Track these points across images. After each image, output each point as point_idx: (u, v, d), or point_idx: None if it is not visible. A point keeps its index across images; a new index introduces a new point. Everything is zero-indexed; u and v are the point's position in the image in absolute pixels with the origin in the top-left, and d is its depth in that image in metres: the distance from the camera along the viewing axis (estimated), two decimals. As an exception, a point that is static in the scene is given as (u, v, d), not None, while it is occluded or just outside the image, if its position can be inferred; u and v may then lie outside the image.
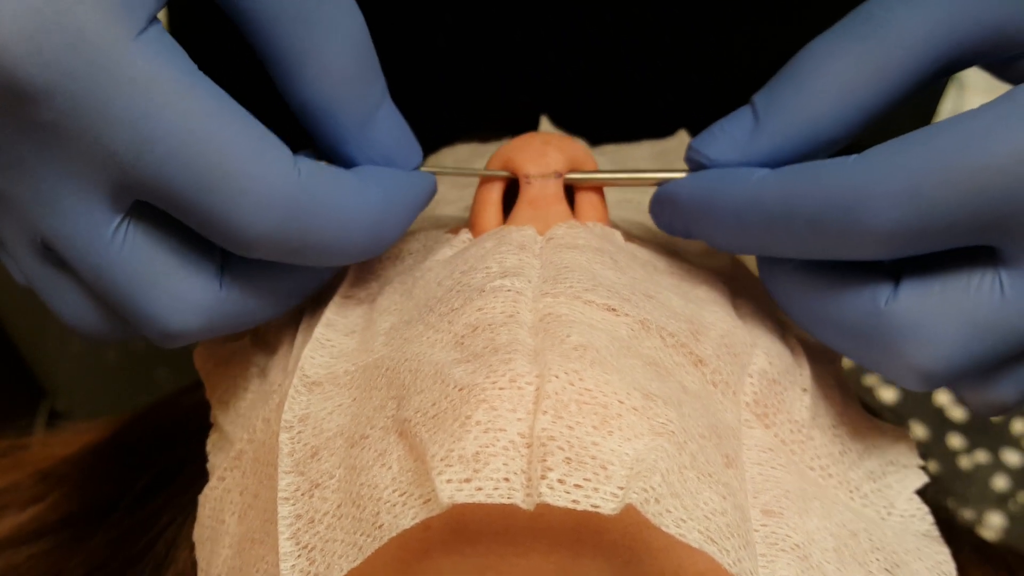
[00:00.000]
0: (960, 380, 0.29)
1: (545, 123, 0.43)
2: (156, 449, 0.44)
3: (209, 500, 0.32)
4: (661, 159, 0.42)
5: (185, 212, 0.26)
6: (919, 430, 0.84)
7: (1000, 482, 0.98)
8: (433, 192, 0.32)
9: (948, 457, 0.87)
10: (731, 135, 0.30)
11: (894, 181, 0.25)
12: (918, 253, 0.26)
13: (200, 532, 0.31)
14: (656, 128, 0.45)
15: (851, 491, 0.30)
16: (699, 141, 0.31)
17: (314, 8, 0.27)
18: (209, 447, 0.34)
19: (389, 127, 0.30)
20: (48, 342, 0.98)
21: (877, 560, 0.28)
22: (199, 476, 0.35)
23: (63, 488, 0.45)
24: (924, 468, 0.32)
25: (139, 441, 0.46)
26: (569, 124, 0.44)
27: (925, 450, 0.86)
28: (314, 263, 0.29)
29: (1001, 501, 0.96)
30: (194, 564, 0.32)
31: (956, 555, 0.42)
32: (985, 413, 0.30)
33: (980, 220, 0.25)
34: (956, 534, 0.43)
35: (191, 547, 0.33)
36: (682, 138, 0.43)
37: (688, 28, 0.52)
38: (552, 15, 0.52)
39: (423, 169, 0.32)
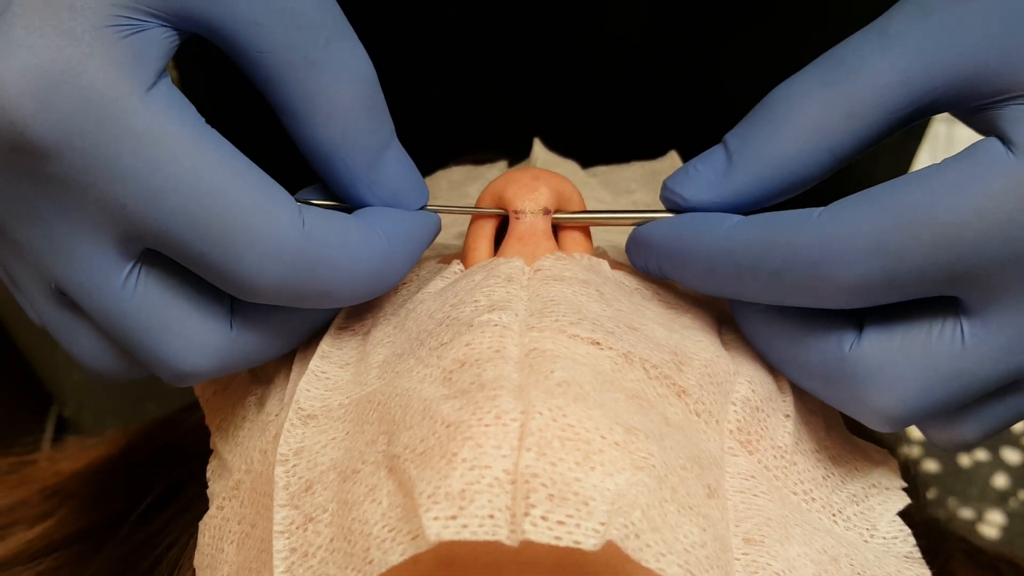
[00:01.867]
0: (923, 422, 0.30)
1: (538, 145, 0.43)
2: (160, 467, 0.44)
3: (209, 528, 0.32)
4: (651, 180, 0.43)
5: (193, 262, 0.27)
6: (918, 429, 0.84)
7: (1000, 480, 0.98)
8: (437, 231, 0.33)
9: (948, 455, 0.87)
10: (704, 175, 0.30)
11: (858, 237, 0.26)
12: (881, 303, 0.27)
13: (200, 559, 0.32)
14: (647, 149, 0.46)
15: (834, 514, 0.31)
16: (673, 180, 0.31)
17: (322, 51, 0.28)
18: (209, 473, 0.35)
19: (397, 168, 0.31)
20: (55, 349, 0.98)
21: None
22: (201, 496, 0.36)
23: (70, 505, 0.46)
24: (906, 490, 0.33)
25: (143, 459, 0.47)
26: (561, 146, 0.45)
27: (925, 448, 0.87)
28: (320, 307, 0.30)
29: (1001, 499, 0.96)
30: None
31: (948, 562, 0.43)
32: (949, 450, 0.31)
33: (942, 274, 0.26)
34: (948, 541, 0.44)
35: (193, 570, 0.34)
36: (672, 159, 0.44)
37: (678, 51, 0.53)
38: (544, 37, 0.52)
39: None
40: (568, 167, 0.44)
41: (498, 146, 0.48)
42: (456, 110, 0.55)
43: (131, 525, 0.42)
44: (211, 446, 0.36)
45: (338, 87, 0.28)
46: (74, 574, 0.42)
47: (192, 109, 0.27)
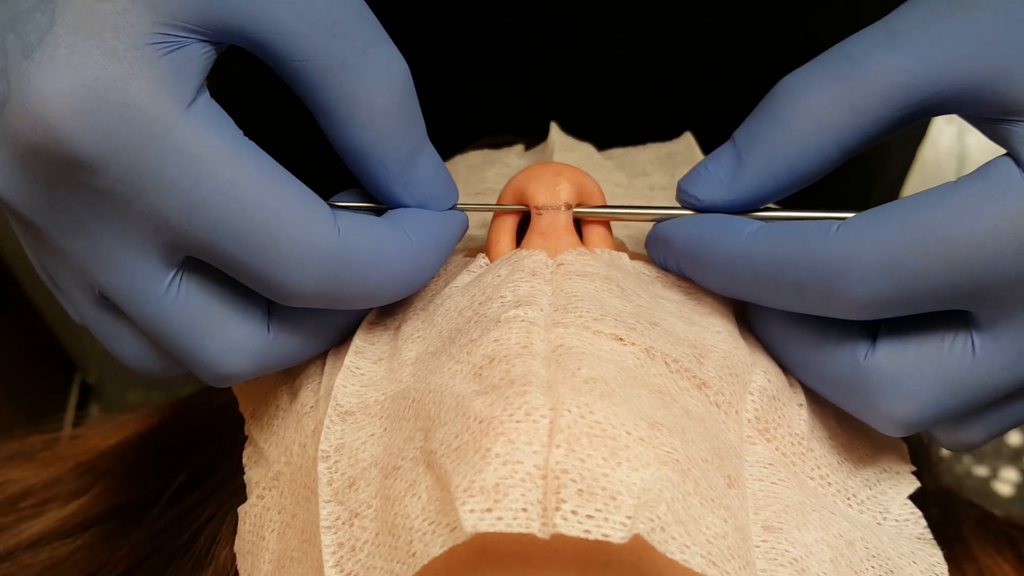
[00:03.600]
0: (933, 426, 0.31)
1: (554, 128, 0.44)
2: (193, 444, 0.45)
3: (249, 516, 0.33)
4: (667, 162, 0.43)
5: (233, 270, 0.28)
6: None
7: (1015, 438, 0.99)
8: (465, 230, 0.34)
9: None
10: (715, 175, 0.31)
11: (873, 255, 0.27)
12: (895, 316, 0.28)
13: (241, 545, 0.33)
14: (662, 131, 0.46)
15: (849, 498, 0.32)
16: (686, 181, 0.32)
17: (359, 56, 0.28)
18: (245, 459, 0.36)
19: (430, 168, 0.32)
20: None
21: (872, 568, 0.29)
22: (235, 472, 0.37)
23: (104, 482, 0.47)
24: (920, 457, 0.34)
25: (175, 436, 0.47)
26: (578, 128, 0.45)
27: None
28: (354, 308, 0.31)
29: (1016, 457, 0.97)
30: (233, 559, 0.34)
31: (960, 528, 0.44)
32: (955, 450, 0.32)
33: (955, 291, 0.27)
34: (960, 507, 0.45)
35: (230, 545, 0.35)
36: (687, 141, 0.44)
37: (693, 32, 0.53)
38: (560, 21, 0.52)
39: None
40: (584, 150, 0.44)
41: (515, 129, 0.48)
42: (473, 94, 0.55)
43: (165, 502, 0.43)
44: (246, 432, 0.37)
45: (376, 90, 0.29)
46: (110, 550, 0.43)
47: (231, 122, 0.28)
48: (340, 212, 0.29)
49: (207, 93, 0.28)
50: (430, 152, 0.32)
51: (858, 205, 0.66)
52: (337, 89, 0.28)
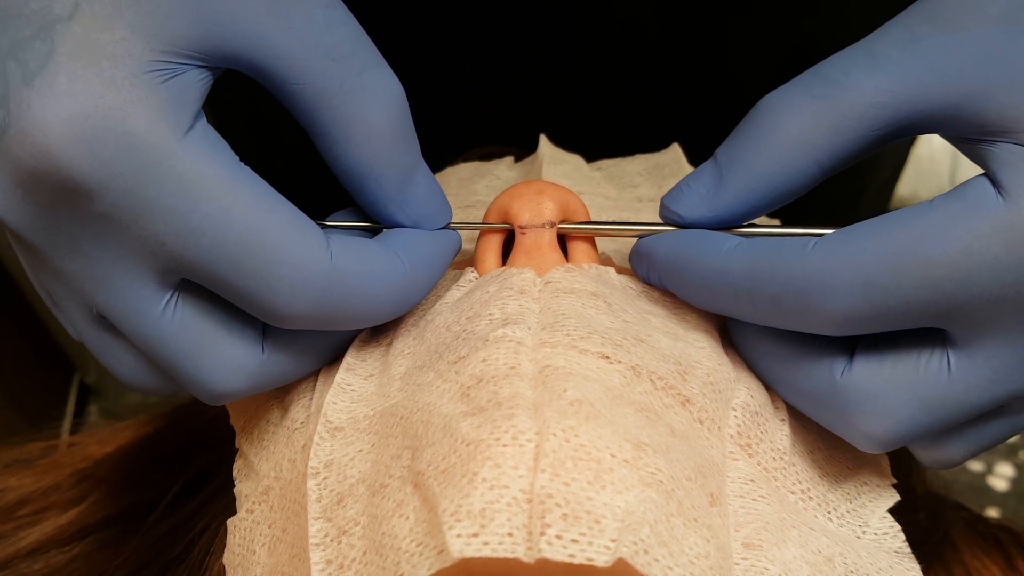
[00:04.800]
0: (911, 443, 0.31)
1: (543, 140, 0.44)
2: (189, 452, 0.45)
3: (239, 530, 0.34)
4: (655, 173, 0.44)
5: (228, 292, 0.29)
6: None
7: (1009, 433, 0.99)
8: (457, 249, 0.34)
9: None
10: (697, 192, 0.32)
11: (848, 272, 0.27)
12: (870, 332, 0.28)
13: (231, 559, 0.34)
14: (650, 142, 0.46)
15: (829, 512, 0.32)
16: (669, 198, 0.33)
17: (356, 79, 0.29)
18: (236, 472, 0.36)
19: (425, 188, 0.32)
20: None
21: None
22: (230, 482, 0.37)
23: (101, 490, 0.47)
24: (900, 482, 0.34)
25: (171, 445, 0.48)
26: (566, 140, 0.46)
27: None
28: (346, 328, 0.31)
29: (1011, 452, 0.97)
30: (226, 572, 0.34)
31: (948, 531, 0.44)
32: (935, 468, 0.32)
33: (930, 309, 0.27)
34: (948, 511, 0.45)
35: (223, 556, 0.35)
36: (675, 152, 0.45)
37: (681, 44, 0.53)
38: (548, 31, 0.52)
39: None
40: (573, 162, 0.44)
41: (505, 139, 0.48)
42: (462, 106, 0.56)
43: (162, 511, 0.44)
44: (236, 445, 0.37)
45: (372, 112, 0.29)
46: (108, 558, 0.43)
47: (227, 149, 0.28)
48: (333, 235, 0.29)
49: (204, 119, 0.28)
50: (424, 171, 0.32)
51: (850, 204, 0.66)
52: (334, 111, 0.29)
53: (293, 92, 0.29)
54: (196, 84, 0.28)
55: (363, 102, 0.29)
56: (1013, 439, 1.01)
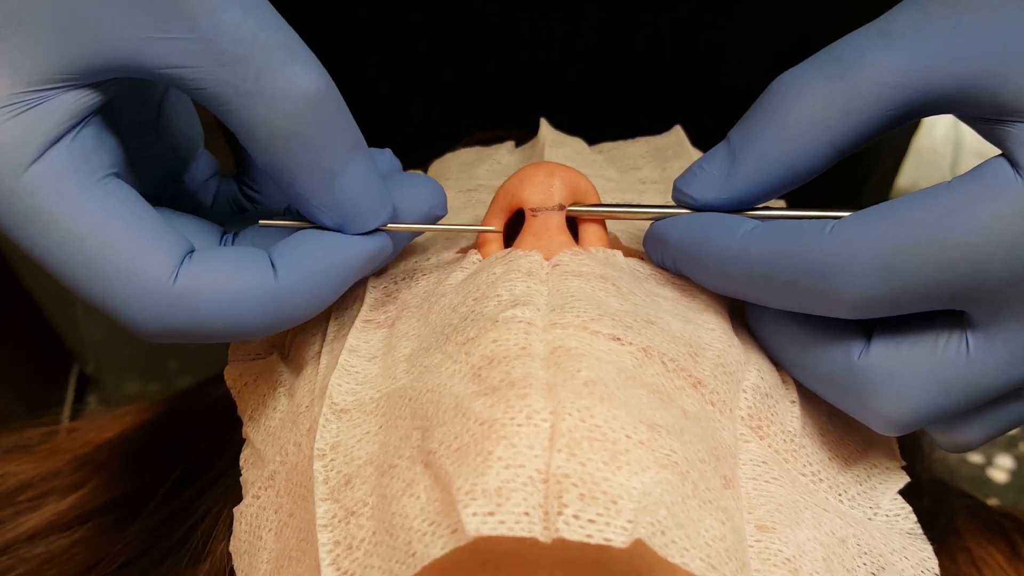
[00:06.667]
0: (928, 426, 0.31)
1: (544, 124, 0.44)
2: (190, 438, 0.45)
3: (245, 516, 0.34)
4: (657, 156, 0.44)
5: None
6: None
7: (1009, 425, 0.99)
8: (386, 252, 0.32)
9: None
10: (710, 174, 0.31)
11: (866, 255, 0.27)
12: (889, 315, 0.28)
13: (237, 545, 0.33)
14: (652, 125, 0.46)
15: (840, 494, 0.32)
16: (682, 180, 0.32)
17: (253, 83, 0.28)
18: (242, 461, 0.36)
19: (351, 190, 0.30)
20: (75, 308, 1.00)
21: (864, 565, 0.30)
22: (232, 466, 0.37)
23: (101, 475, 0.47)
24: (905, 468, 0.34)
25: (171, 431, 0.48)
26: (567, 123, 0.45)
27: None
28: (222, 342, 0.31)
29: (1010, 444, 0.97)
30: (230, 557, 0.34)
31: (953, 518, 0.44)
32: (953, 451, 0.32)
33: (949, 291, 0.27)
34: (953, 499, 0.45)
35: (227, 540, 0.35)
36: (677, 134, 0.44)
37: (684, 27, 0.53)
38: (549, 15, 0.52)
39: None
40: (575, 145, 0.44)
41: (505, 124, 0.48)
42: (463, 90, 0.55)
43: (163, 496, 0.44)
44: (243, 435, 0.37)
45: (272, 115, 0.28)
46: (108, 544, 0.43)
47: (90, 166, 0.28)
48: (201, 253, 0.29)
49: (71, 138, 0.28)
50: (355, 171, 0.30)
51: (852, 194, 0.66)
52: (234, 115, 0.28)
53: (197, 96, 0.28)
54: (63, 107, 0.28)
55: (261, 106, 0.28)
56: (1013, 431, 1.01)
